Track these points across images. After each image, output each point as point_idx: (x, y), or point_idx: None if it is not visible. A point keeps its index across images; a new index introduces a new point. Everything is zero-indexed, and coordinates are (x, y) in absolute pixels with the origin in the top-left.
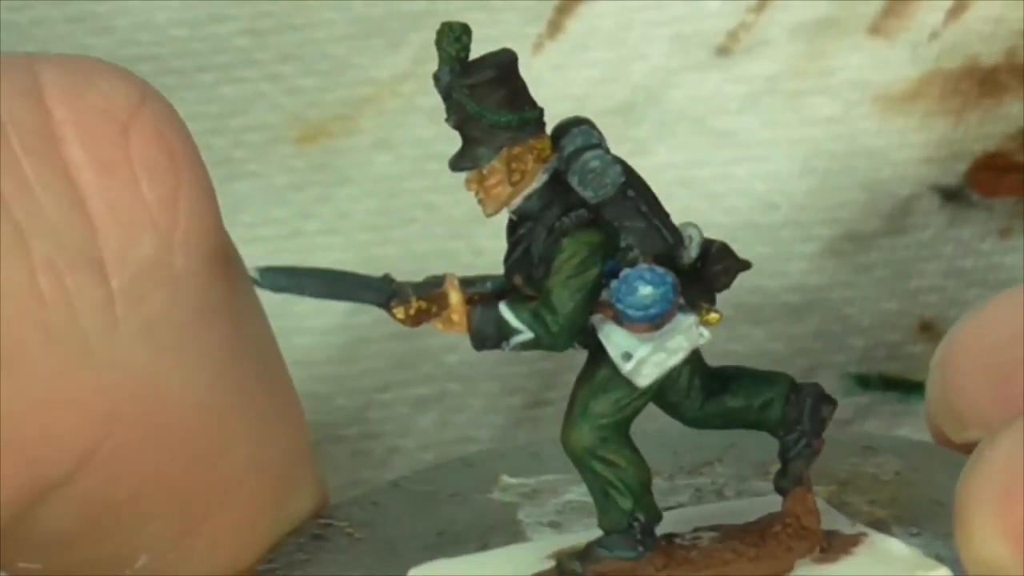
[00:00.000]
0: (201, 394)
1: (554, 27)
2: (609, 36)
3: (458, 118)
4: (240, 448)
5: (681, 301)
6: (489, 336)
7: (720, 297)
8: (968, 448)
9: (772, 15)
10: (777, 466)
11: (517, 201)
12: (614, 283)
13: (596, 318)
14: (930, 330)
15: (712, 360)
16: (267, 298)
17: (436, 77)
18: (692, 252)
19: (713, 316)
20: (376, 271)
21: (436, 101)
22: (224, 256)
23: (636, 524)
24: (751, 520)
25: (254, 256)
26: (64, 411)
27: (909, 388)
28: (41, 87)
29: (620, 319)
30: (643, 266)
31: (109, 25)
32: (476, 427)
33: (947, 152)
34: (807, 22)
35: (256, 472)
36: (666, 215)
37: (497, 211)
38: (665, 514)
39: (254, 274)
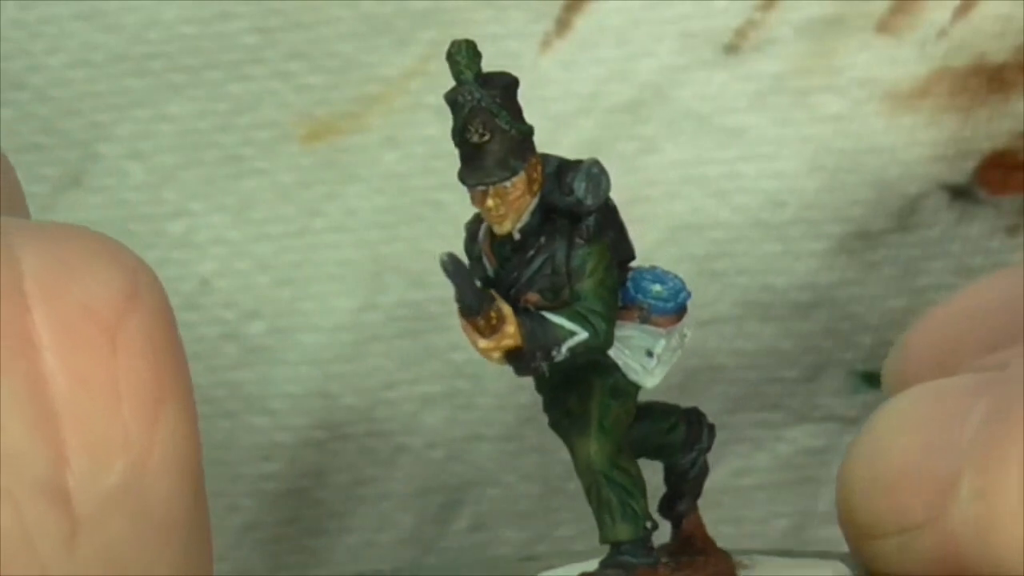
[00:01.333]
0: None
1: (562, 25)
2: (617, 34)
3: (486, 132)
4: None
5: None
6: (541, 344)
7: (728, 295)
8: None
9: (780, 13)
10: None
11: (525, 217)
12: (629, 285)
13: None
14: None
15: (723, 358)
16: (275, 295)
17: (460, 95)
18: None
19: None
20: (383, 269)
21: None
22: (196, 474)
23: (647, 530)
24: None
25: (261, 255)
26: None
27: None
28: (22, 276)
29: (648, 315)
30: (642, 268)
31: (118, 23)
32: (484, 425)
33: (955, 150)
34: (815, 20)
35: None
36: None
37: (514, 227)
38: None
39: (443, 257)
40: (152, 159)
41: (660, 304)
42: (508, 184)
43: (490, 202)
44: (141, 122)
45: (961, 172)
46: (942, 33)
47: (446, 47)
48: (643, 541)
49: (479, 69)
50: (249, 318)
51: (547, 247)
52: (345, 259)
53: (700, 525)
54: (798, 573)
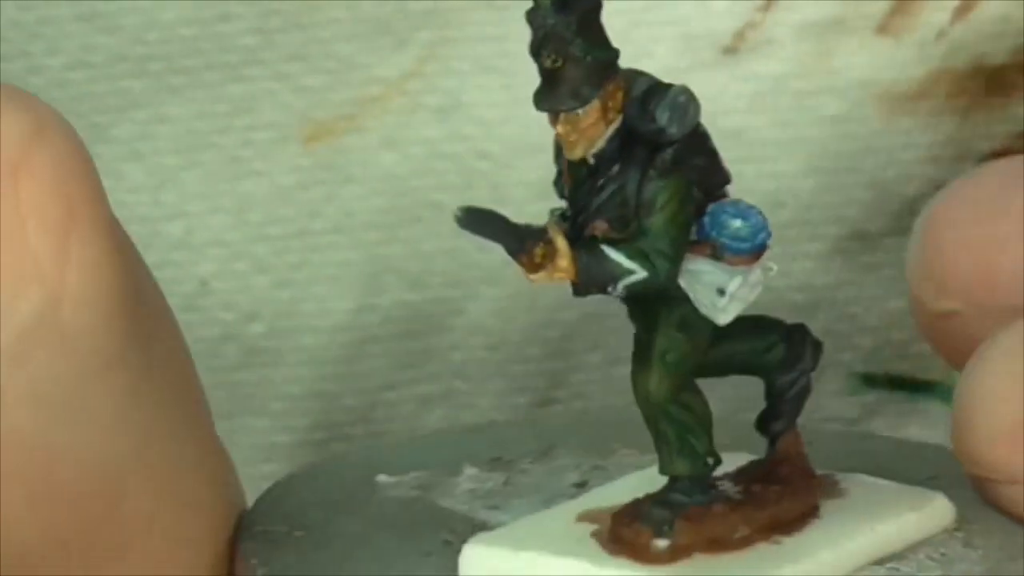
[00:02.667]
0: (94, 453)
1: None
2: (616, 35)
3: (561, 57)
4: (146, 503)
5: None
6: (597, 279)
7: None
8: (945, 318)
9: (779, 14)
10: None
11: (601, 143)
12: (705, 219)
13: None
14: None
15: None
16: (274, 296)
17: (537, 14)
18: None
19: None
20: (382, 270)
21: (443, 100)
22: (123, 304)
23: (708, 467)
24: (733, 469)
25: (259, 256)
26: None
27: (916, 387)
28: None
29: (718, 254)
30: (725, 201)
31: (117, 24)
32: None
33: (954, 151)
34: (814, 21)
35: (172, 524)
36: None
37: (586, 153)
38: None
39: (457, 213)
40: (151, 160)
41: (734, 244)
42: (580, 111)
43: (560, 128)
44: (140, 123)
45: (959, 173)
46: (941, 34)
47: (445, 48)
48: (701, 478)
49: None
50: (248, 319)
51: (620, 176)
52: (344, 260)
53: (797, 446)
54: (889, 503)
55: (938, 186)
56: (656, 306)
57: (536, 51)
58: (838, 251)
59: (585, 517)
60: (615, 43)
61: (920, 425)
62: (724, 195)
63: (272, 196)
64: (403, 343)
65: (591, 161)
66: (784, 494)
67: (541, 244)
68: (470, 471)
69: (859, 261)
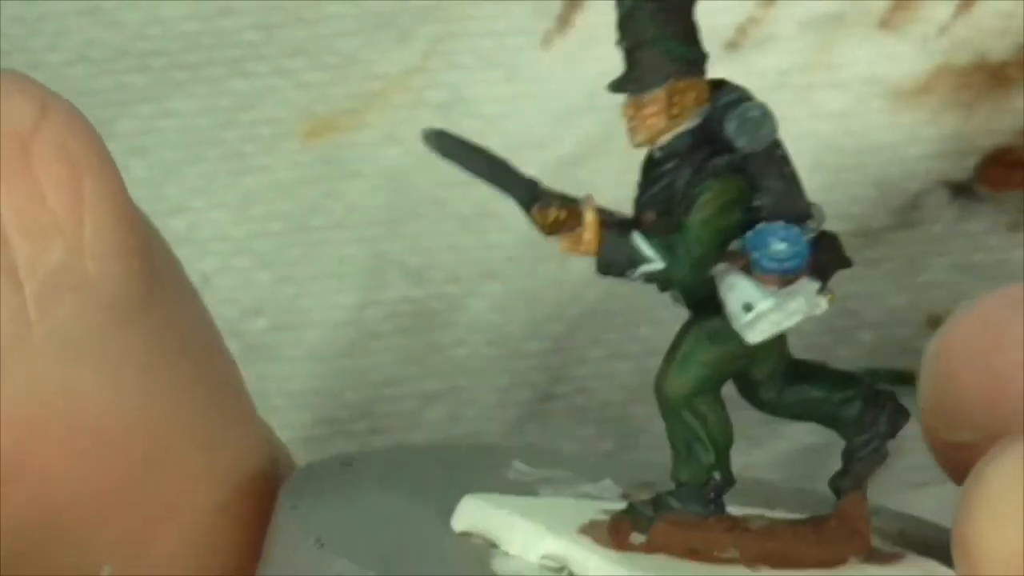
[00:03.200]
0: (127, 399)
1: (563, 22)
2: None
3: (634, 40)
4: (181, 451)
5: (813, 264)
6: (617, 262)
7: None
8: (959, 448)
9: (781, 9)
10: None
11: (667, 137)
12: (749, 233)
13: (719, 268)
14: (939, 325)
15: None
16: (276, 291)
17: None
18: (813, 230)
19: (830, 295)
20: (383, 266)
21: (445, 96)
22: (141, 256)
23: (712, 481)
24: (803, 517)
25: (261, 252)
26: None
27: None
28: None
29: (750, 269)
30: (779, 223)
31: (118, 19)
32: (485, 421)
33: (956, 147)
34: (816, 16)
35: (208, 475)
36: (801, 183)
37: (646, 142)
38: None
39: (427, 131)
40: (153, 156)
41: (763, 260)
42: (644, 97)
43: (623, 110)
44: (142, 119)
45: (962, 169)
46: (943, 30)
47: (447, 43)
48: (703, 488)
49: None
50: (250, 315)
51: (674, 171)
52: (346, 256)
53: (859, 509)
54: None
55: (940, 182)
56: (700, 308)
57: (617, 29)
58: None
59: (609, 511)
60: (612, 36)
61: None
62: (802, 228)
63: (274, 191)
64: (405, 339)
65: (657, 154)
66: (811, 540)
67: (558, 207)
68: (606, 482)
69: (862, 257)
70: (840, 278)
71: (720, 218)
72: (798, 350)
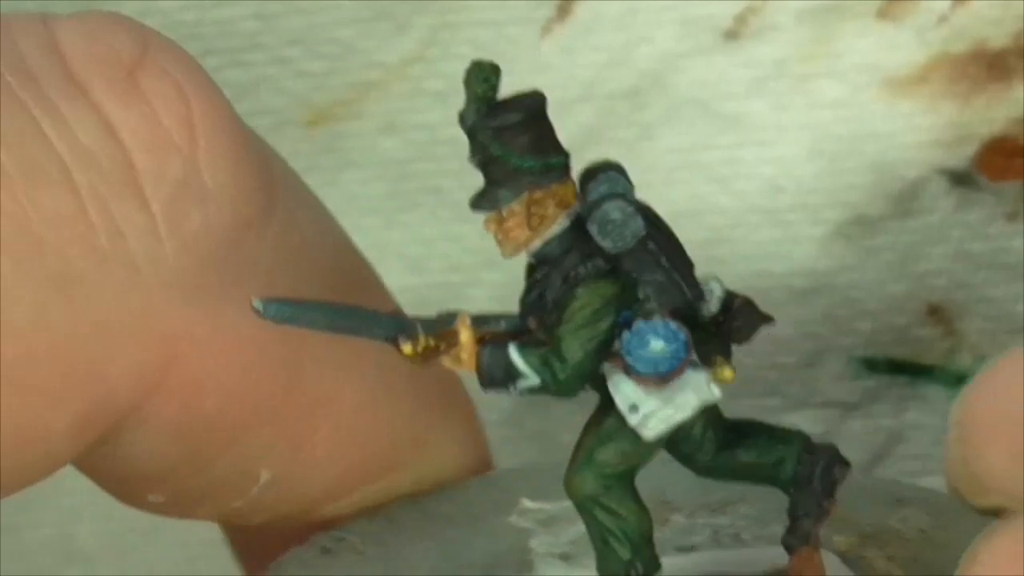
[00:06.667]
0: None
1: (562, 11)
2: (616, 20)
3: (482, 158)
4: (326, 354)
5: (694, 357)
6: (496, 378)
7: (727, 281)
8: (989, 513)
9: None
10: None
11: (536, 244)
12: (626, 334)
13: (607, 367)
14: (937, 314)
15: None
16: None
17: (462, 116)
18: (712, 307)
19: (727, 373)
20: (383, 255)
21: (443, 85)
22: (256, 170)
23: (633, 573)
24: (754, 575)
25: None
26: (121, 334)
27: (917, 372)
28: (58, 43)
29: (629, 370)
30: (657, 320)
31: (116, 9)
32: (484, 411)
33: (955, 135)
34: (815, 6)
35: (353, 369)
36: (689, 267)
37: (515, 253)
38: (671, 560)
39: (256, 305)
40: None
41: (638, 365)
42: (501, 213)
43: (484, 225)
44: None
45: (960, 158)
46: (942, 19)
47: (446, 33)
48: None
49: (487, 93)
50: None
51: (545, 280)
52: None
53: (810, 566)
54: None
55: (939, 170)
56: (601, 404)
57: (469, 146)
58: (839, 235)
59: None
60: (617, 29)
61: (921, 410)
62: (695, 311)
63: None
64: None
65: (531, 261)
66: None
67: (427, 335)
68: None
69: (860, 245)
70: (839, 267)
71: (591, 326)
72: (798, 340)
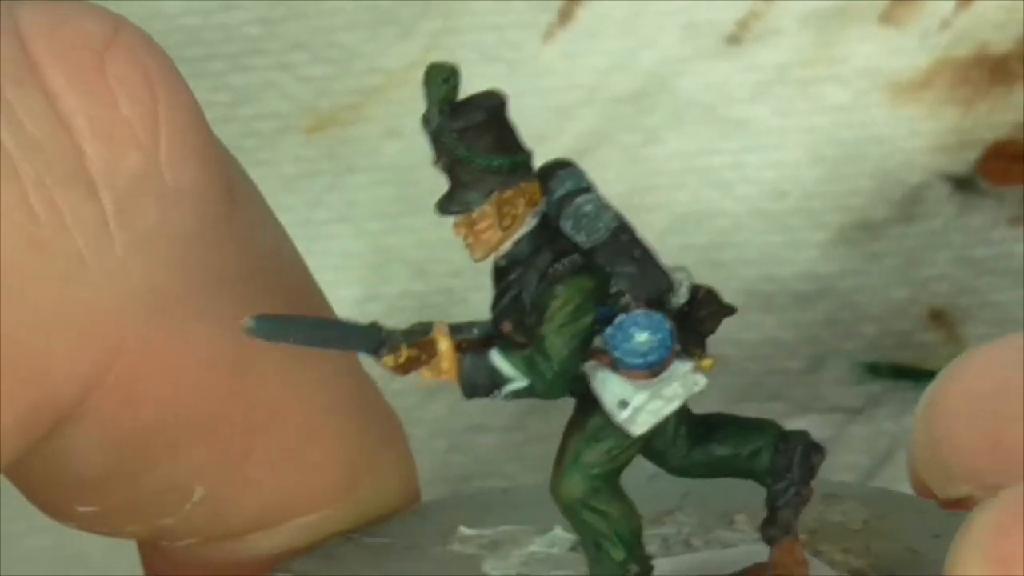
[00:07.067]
0: (210, 313)
1: (564, 15)
2: (619, 24)
3: (447, 161)
4: (273, 374)
5: (678, 347)
6: (480, 385)
7: (730, 285)
8: (954, 505)
9: (782, 4)
10: (740, 515)
11: (506, 246)
12: (609, 329)
13: (589, 365)
14: (940, 318)
15: (725, 348)
16: None
17: (425, 119)
18: (681, 297)
19: (707, 362)
20: (386, 260)
21: None
22: (218, 171)
23: (629, 574)
24: (736, 572)
25: None
26: (64, 330)
27: (919, 377)
28: (18, 25)
29: (616, 366)
30: (638, 312)
31: (119, 13)
32: (487, 416)
33: (957, 140)
34: (818, 10)
35: (300, 384)
36: (656, 259)
37: (486, 256)
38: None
39: (247, 324)
40: None
41: (627, 359)
42: (471, 216)
43: (455, 231)
44: None
45: (963, 163)
46: (944, 24)
47: (448, 38)
48: None
49: (448, 95)
50: None
51: (519, 281)
52: (348, 250)
53: (793, 556)
54: None
55: (941, 175)
56: (582, 405)
57: (432, 150)
58: (842, 240)
59: None
60: (620, 33)
61: None
62: (664, 303)
63: (276, 186)
64: None
65: (501, 263)
66: None
67: (407, 345)
68: (556, 531)
69: (863, 250)
70: (842, 272)
71: (574, 323)
72: (800, 345)
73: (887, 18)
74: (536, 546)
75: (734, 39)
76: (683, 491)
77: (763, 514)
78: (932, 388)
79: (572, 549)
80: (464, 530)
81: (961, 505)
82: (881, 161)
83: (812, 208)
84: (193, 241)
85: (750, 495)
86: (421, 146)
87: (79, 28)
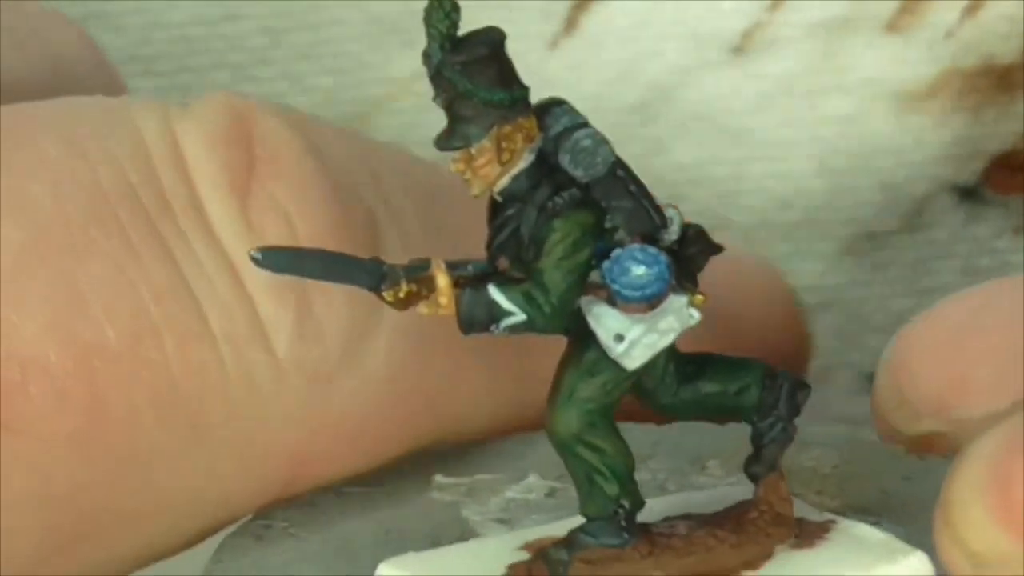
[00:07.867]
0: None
1: (570, 25)
2: (624, 34)
3: (448, 96)
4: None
5: (674, 281)
6: (478, 319)
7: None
8: (918, 442)
9: (787, 14)
10: (712, 460)
11: (504, 181)
12: (606, 263)
13: (585, 300)
14: None
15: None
16: None
17: (426, 55)
18: (672, 234)
19: (699, 298)
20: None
21: None
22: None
23: (621, 511)
24: (721, 508)
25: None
26: (245, 472)
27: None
28: (181, 150)
29: (613, 300)
30: (635, 246)
31: (124, 24)
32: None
33: (963, 151)
34: (823, 20)
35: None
36: (651, 195)
37: (485, 191)
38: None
39: (254, 254)
40: None
41: (625, 291)
42: (470, 151)
43: (452, 166)
44: None
45: (969, 173)
46: (950, 34)
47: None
48: (612, 519)
49: (450, 30)
50: None
51: (517, 216)
52: None
53: (777, 492)
54: (860, 558)
55: (947, 185)
56: (576, 341)
57: (432, 86)
58: (848, 251)
59: (530, 547)
60: (625, 43)
61: None
62: (658, 239)
63: None
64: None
65: (498, 199)
66: (733, 542)
67: (407, 281)
68: (531, 479)
69: (868, 261)
70: (847, 282)
71: (572, 257)
72: None
73: (893, 28)
74: (513, 492)
75: (739, 49)
76: (654, 439)
77: (735, 460)
78: (899, 334)
79: (548, 495)
80: (440, 478)
81: (927, 443)
82: (886, 171)
83: (818, 219)
84: (352, 346)
85: (721, 441)
86: (429, 156)
87: (225, 155)
